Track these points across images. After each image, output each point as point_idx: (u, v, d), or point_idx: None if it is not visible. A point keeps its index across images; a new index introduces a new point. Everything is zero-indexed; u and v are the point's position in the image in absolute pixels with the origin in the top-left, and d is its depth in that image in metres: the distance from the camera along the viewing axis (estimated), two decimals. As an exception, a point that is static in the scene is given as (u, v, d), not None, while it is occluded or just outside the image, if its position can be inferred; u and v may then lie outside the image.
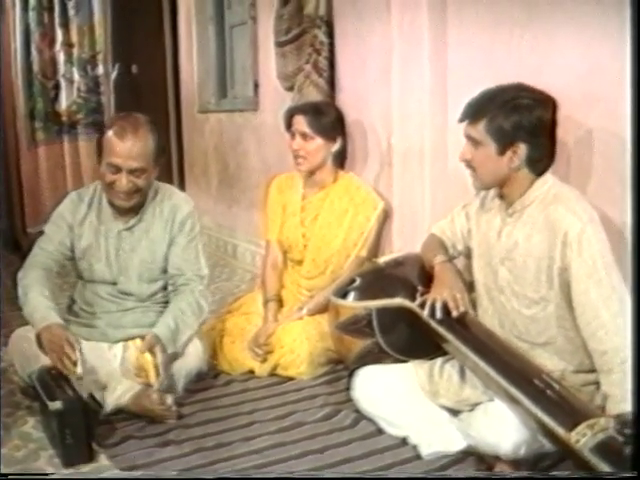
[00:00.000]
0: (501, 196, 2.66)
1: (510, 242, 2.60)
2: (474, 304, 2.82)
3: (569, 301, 2.47)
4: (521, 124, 2.45)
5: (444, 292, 2.70)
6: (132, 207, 3.16)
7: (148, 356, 2.90)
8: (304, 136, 3.68)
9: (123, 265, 3.21)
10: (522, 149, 2.48)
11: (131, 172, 3.01)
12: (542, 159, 2.53)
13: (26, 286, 3.09)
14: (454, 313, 2.65)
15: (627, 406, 2.25)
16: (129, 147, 2.98)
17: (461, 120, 2.59)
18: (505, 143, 2.48)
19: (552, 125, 2.53)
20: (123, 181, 3.01)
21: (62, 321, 2.98)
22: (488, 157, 2.52)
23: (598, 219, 2.45)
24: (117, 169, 3.00)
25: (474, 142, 2.55)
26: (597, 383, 2.50)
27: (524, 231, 2.56)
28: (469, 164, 2.61)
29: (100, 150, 3.07)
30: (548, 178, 2.56)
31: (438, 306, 2.67)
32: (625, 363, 2.30)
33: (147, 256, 3.22)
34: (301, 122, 3.69)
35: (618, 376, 2.32)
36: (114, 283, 3.22)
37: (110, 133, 3.02)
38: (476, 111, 2.53)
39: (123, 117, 3.13)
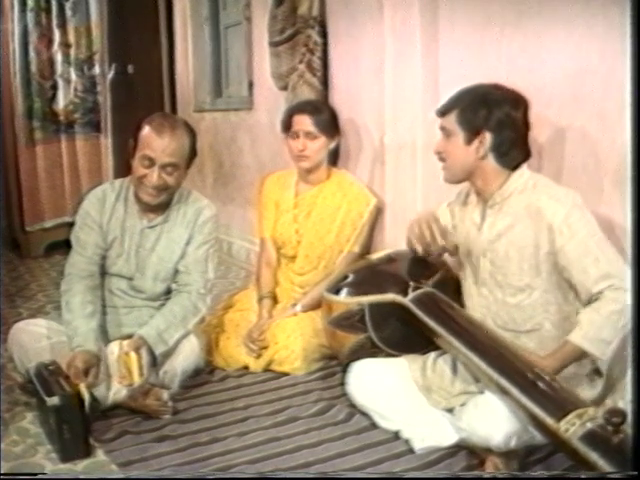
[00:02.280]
0: (477, 192, 2.74)
1: (492, 234, 2.66)
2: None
3: (557, 285, 2.56)
4: (489, 116, 2.57)
5: (415, 228, 2.80)
6: (158, 205, 3.19)
7: (133, 355, 2.91)
8: (309, 135, 3.72)
9: (141, 262, 3.24)
10: (488, 138, 2.58)
11: (163, 167, 3.04)
12: (509, 152, 2.61)
13: (69, 303, 3.09)
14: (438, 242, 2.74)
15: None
16: (166, 143, 3.03)
17: (437, 113, 2.71)
18: (472, 132, 2.59)
19: (524, 124, 2.62)
20: (154, 176, 3.04)
21: (97, 347, 2.96)
22: (457, 146, 2.64)
23: (580, 200, 2.52)
24: (150, 163, 3.03)
25: (446, 133, 2.67)
26: (588, 375, 2.58)
27: (505, 221, 2.63)
28: (440, 156, 2.71)
29: (135, 145, 3.10)
30: (524, 171, 2.65)
31: (416, 231, 2.78)
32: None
33: (165, 255, 3.24)
34: (305, 122, 3.72)
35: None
36: (129, 279, 3.24)
37: (148, 128, 3.06)
38: (450, 104, 2.66)
39: (162, 115, 3.20)
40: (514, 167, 2.63)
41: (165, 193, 3.14)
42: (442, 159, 2.71)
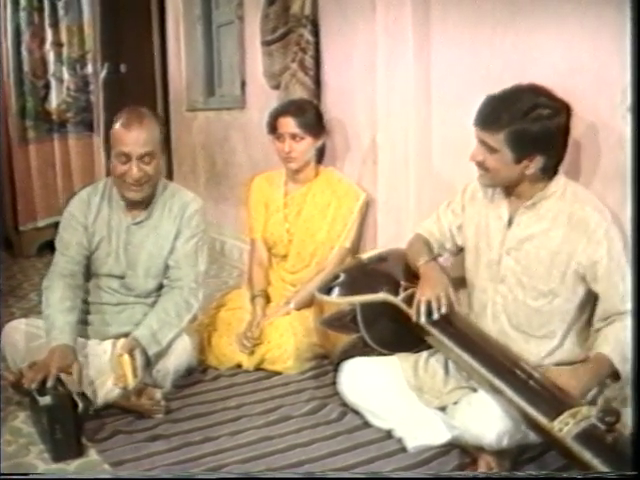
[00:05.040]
0: (510, 193, 2.67)
1: (524, 233, 2.62)
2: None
3: (579, 296, 2.56)
4: (541, 137, 2.46)
5: (428, 292, 2.72)
6: (142, 200, 3.19)
7: (127, 358, 2.90)
8: (294, 137, 3.72)
9: (131, 260, 3.23)
10: (538, 159, 2.50)
11: (140, 159, 3.06)
12: (555, 164, 2.56)
13: (48, 298, 3.10)
14: (435, 315, 2.67)
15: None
16: (136, 135, 3.05)
17: (476, 125, 2.57)
18: (522, 154, 2.49)
19: (567, 130, 2.54)
20: (134, 169, 3.05)
21: (73, 342, 2.95)
22: (503, 163, 2.54)
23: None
24: (127, 158, 3.05)
25: (489, 149, 2.54)
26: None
27: (542, 224, 2.58)
28: (481, 165, 2.61)
29: (110, 146, 3.12)
30: (560, 174, 2.60)
31: (422, 309, 2.69)
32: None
33: (154, 250, 3.24)
34: (290, 124, 3.72)
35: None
36: (121, 277, 3.24)
37: (117, 126, 3.09)
38: (494, 120, 2.51)
39: (128, 110, 3.19)
40: (554, 173, 2.59)
41: (148, 185, 3.15)
42: (482, 168, 2.62)
